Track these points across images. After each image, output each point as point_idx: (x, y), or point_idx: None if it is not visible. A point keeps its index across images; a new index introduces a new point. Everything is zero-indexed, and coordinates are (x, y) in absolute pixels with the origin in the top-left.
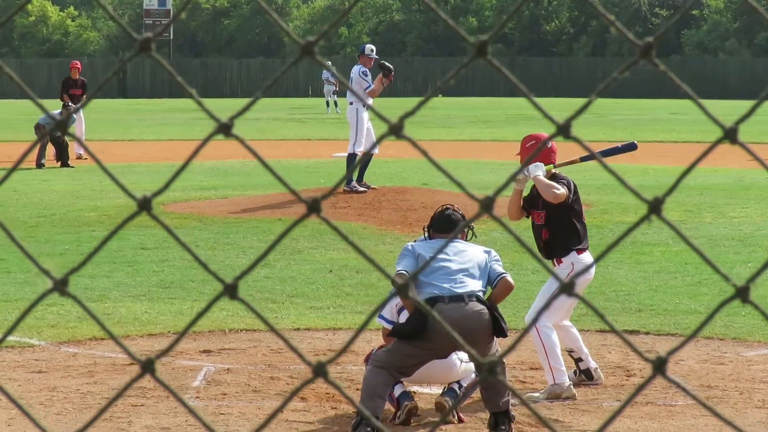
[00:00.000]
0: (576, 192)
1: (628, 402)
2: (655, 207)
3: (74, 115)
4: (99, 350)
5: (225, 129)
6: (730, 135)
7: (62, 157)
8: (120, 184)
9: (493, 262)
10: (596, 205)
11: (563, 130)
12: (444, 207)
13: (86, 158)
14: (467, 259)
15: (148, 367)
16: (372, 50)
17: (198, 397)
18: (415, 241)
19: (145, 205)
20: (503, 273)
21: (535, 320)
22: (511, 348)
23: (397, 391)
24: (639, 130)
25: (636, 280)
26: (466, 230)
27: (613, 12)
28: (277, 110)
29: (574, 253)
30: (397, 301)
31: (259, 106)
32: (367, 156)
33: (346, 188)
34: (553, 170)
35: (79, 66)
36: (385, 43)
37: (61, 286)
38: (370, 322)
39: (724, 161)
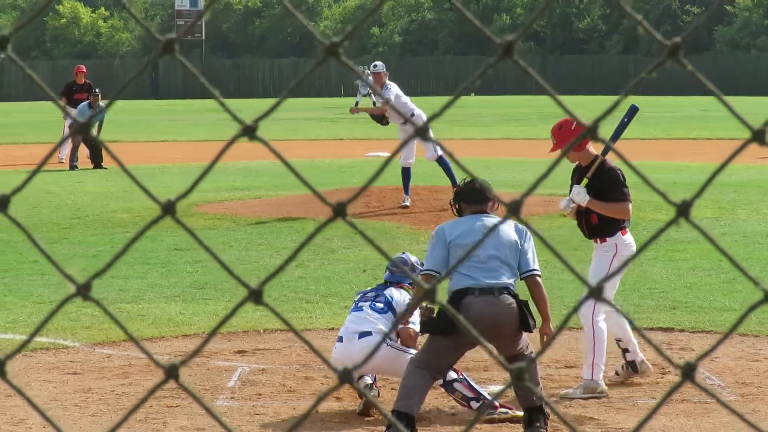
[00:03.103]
0: (623, 175)
1: (658, 407)
2: (683, 210)
3: (101, 116)
4: (133, 351)
5: (250, 131)
6: (759, 136)
7: (96, 158)
8: (142, 187)
9: (526, 247)
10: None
11: (591, 132)
12: (471, 179)
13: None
14: (499, 242)
15: (172, 372)
16: (375, 65)
17: (233, 398)
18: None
19: (169, 209)
20: (533, 270)
21: (558, 324)
22: (543, 349)
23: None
24: (672, 128)
25: (670, 277)
26: (494, 199)
27: (643, 9)
28: (309, 110)
29: (619, 234)
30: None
31: (291, 106)
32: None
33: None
34: (589, 175)
35: (84, 70)
36: (416, 42)
37: (84, 290)
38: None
39: (760, 157)
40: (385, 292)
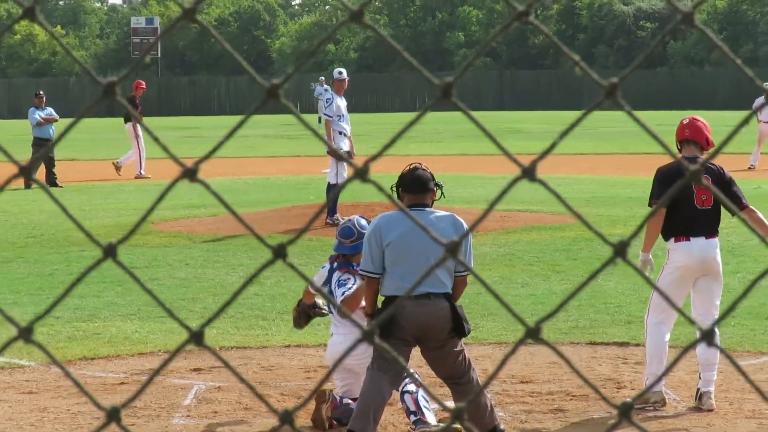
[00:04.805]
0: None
1: None
2: (620, 251)
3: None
4: (89, 370)
5: (190, 174)
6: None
7: (50, 177)
8: (84, 230)
9: (463, 246)
10: (586, 218)
11: (528, 173)
12: (413, 166)
13: (149, 177)
14: (435, 245)
15: (113, 415)
16: (340, 72)
17: (189, 416)
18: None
19: (110, 251)
20: (469, 270)
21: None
22: (492, 376)
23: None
24: (628, 143)
25: (626, 292)
26: (435, 189)
27: (599, 25)
28: (266, 127)
29: (671, 240)
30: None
31: (249, 123)
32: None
33: (328, 220)
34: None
35: (144, 87)
36: (373, 59)
37: (25, 334)
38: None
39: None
40: (332, 284)
